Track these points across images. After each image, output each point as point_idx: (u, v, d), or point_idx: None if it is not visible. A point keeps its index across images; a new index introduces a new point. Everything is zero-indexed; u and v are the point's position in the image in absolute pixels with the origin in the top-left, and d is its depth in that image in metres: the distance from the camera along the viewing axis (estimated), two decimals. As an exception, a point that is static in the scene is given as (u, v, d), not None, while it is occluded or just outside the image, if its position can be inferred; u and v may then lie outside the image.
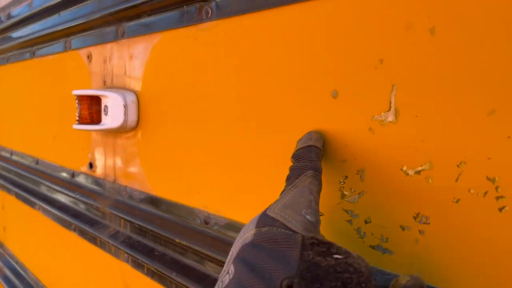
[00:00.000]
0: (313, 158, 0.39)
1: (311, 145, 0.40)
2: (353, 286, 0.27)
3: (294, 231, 0.32)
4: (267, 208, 0.35)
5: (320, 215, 0.37)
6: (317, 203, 0.36)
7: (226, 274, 0.31)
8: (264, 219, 0.34)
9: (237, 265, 0.31)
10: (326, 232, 0.45)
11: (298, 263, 0.28)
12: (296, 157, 0.40)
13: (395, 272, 0.40)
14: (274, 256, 0.30)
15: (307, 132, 0.44)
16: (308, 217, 0.34)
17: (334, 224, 0.44)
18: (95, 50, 0.86)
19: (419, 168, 0.37)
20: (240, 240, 0.34)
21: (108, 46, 0.81)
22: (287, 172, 0.48)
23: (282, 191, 0.37)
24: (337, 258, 0.29)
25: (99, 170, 0.88)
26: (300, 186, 0.36)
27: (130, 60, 0.75)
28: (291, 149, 0.48)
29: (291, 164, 0.41)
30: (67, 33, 0.94)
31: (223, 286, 0.30)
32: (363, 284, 0.28)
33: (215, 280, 0.60)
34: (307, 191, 0.36)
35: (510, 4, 0.31)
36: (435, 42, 0.35)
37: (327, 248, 0.30)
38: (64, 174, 1.03)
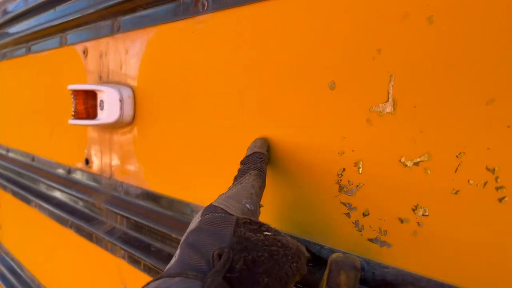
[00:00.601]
0: (257, 161, 0.44)
1: (256, 152, 0.46)
2: (279, 257, 0.32)
3: (232, 215, 0.36)
4: (214, 200, 0.39)
5: (261, 207, 0.42)
6: (258, 196, 0.41)
7: (174, 257, 0.35)
8: (208, 208, 0.37)
9: (181, 247, 0.34)
10: (323, 225, 0.44)
11: (231, 238, 0.32)
12: (243, 162, 0.45)
13: (393, 265, 0.39)
14: (211, 234, 0.33)
15: (254, 139, 0.49)
16: (247, 205, 0.39)
17: (331, 217, 0.43)
18: (91, 45, 0.85)
19: (418, 160, 0.37)
20: (188, 230, 0.37)
21: (104, 40, 0.81)
22: (288, 165, 0.47)
23: (229, 187, 0.42)
24: (266, 234, 0.33)
25: (95, 166, 0.87)
26: (244, 182, 0.41)
27: (126, 55, 0.75)
28: (290, 141, 0.47)
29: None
30: (63, 28, 0.93)
31: (169, 266, 0.33)
32: (289, 257, 0.33)
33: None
34: (249, 186, 0.41)
35: (510, -9, 0.31)
36: (433, 31, 0.35)
37: (259, 226, 0.34)
38: (60, 171, 1.02)
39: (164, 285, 0.29)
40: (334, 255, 0.36)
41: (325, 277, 0.36)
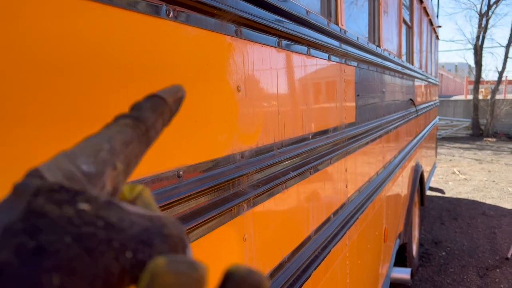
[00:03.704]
0: (143, 108, 0.29)
1: (153, 95, 0.29)
2: (93, 245, 0.20)
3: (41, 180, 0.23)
4: None
5: (122, 173, 0.27)
6: (114, 154, 0.26)
7: None
8: (28, 172, 0.24)
9: None
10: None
11: (21, 212, 0.21)
12: (130, 107, 0.29)
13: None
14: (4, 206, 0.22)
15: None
16: (83, 166, 0.25)
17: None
18: None
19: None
20: None
21: None
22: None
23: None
24: (81, 209, 0.22)
25: None
26: (102, 133, 0.27)
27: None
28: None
29: None
30: None
31: None
32: (119, 244, 0.21)
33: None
34: (105, 139, 0.26)
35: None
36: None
37: (73, 196, 0.22)
38: None
39: None
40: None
41: None
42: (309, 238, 1.37)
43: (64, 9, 0.52)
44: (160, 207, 0.68)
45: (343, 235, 1.67)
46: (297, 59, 1.28)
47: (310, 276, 1.29)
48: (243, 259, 0.95)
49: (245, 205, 0.95)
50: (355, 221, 1.85)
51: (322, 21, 1.46)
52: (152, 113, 0.28)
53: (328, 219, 1.56)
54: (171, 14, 0.70)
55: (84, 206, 0.22)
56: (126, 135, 0.27)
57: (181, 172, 0.74)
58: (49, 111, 0.51)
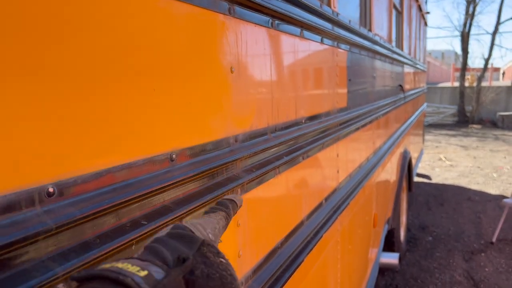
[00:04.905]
0: (229, 207, 0.60)
1: (233, 200, 0.63)
2: (226, 282, 0.41)
3: (198, 237, 0.45)
4: (184, 221, 0.50)
5: (219, 242, 0.55)
6: (219, 232, 0.54)
7: (136, 254, 0.41)
8: (178, 225, 0.47)
9: (149, 246, 0.41)
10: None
11: (195, 252, 0.41)
12: (220, 202, 0.61)
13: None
14: (180, 244, 0.42)
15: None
16: (210, 235, 0.50)
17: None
18: None
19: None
20: (155, 236, 0.45)
21: None
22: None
23: (200, 217, 0.55)
24: (221, 261, 0.43)
25: None
26: (213, 217, 0.54)
27: None
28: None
29: None
30: None
31: (136, 256, 0.39)
32: (233, 286, 0.42)
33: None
34: (215, 222, 0.54)
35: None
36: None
37: (217, 252, 0.44)
38: None
39: (134, 262, 0.36)
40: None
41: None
42: (301, 224, 1.35)
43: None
44: (152, 191, 0.66)
45: (334, 220, 1.67)
46: (290, 41, 1.25)
47: (303, 261, 1.28)
48: (236, 244, 0.93)
49: (239, 190, 0.93)
50: (346, 206, 1.85)
51: (315, 2, 1.43)
52: (232, 211, 0.60)
53: (320, 204, 1.55)
54: (162, -12, 0.66)
55: (223, 260, 0.43)
56: (223, 222, 0.56)
57: (174, 156, 0.72)
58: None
